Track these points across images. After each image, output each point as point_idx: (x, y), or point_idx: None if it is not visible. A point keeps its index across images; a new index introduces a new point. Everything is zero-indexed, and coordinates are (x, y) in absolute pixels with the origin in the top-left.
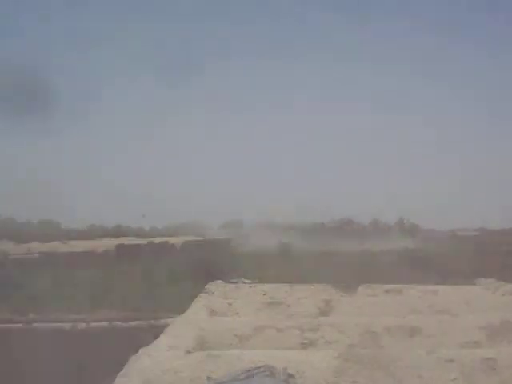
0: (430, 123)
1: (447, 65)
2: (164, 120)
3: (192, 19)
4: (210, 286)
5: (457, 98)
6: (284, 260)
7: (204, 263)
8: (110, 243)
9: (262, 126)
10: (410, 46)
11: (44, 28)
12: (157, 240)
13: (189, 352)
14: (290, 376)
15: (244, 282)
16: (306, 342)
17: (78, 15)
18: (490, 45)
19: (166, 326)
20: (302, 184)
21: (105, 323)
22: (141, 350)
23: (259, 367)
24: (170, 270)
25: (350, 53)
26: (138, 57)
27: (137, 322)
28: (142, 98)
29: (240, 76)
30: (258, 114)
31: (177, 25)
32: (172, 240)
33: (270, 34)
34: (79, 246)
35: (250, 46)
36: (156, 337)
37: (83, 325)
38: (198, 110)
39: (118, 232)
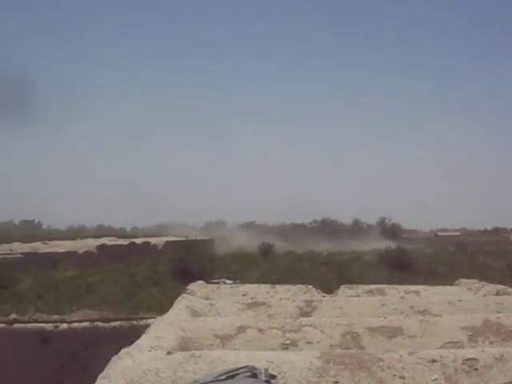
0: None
1: None
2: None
3: None
4: (191, 287)
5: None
6: (266, 260)
7: (186, 263)
8: (91, 243)
9: (248, 135)
10: None
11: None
12: (138, 240)
13: (170, 352)
14: (272, 376)
15: (226, 283)
16: (287, 342)
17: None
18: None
19: (147, 326)
20: (284, 185)
21: (86, 324)
22: (122, 351)
23: (241, 368)
24: (152, 271)
25: None
26: None
27: (118, 323)
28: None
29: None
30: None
31: None
32: (154, 240)
33: None
34: (61, 246)
35: None
36: (138, 337)
37: (65, 325)
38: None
39: (99, 232)
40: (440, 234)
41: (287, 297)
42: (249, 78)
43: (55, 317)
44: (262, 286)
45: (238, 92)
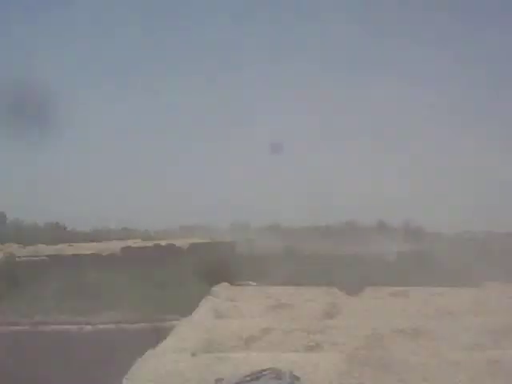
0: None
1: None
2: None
3: None
4: (216, 289)
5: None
6: (290, 262)
7: (210, 265)
8: (115, 246)
9: (266, 130)
10: None
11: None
12: (163, 242)
13: (195, 354)
14: (296, 378)
15: (250, 285)
16: (312, 344)
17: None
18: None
19: (172, 328)
20: (307, 186)
21: (111, 325)
22: (147, 352)
23: (265, 370)
24: (177, 273)
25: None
26: None
27: (143, 324)
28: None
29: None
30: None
31: None
32: (178, 242)
33: None
34: (85, 248)
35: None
36: (162, 339)
37: (89, 327)
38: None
39: (124, 234)
40: (465, 236)
41: (312, 299)
42: (255, 79)
43: (80, 319)
44: (287, 288)
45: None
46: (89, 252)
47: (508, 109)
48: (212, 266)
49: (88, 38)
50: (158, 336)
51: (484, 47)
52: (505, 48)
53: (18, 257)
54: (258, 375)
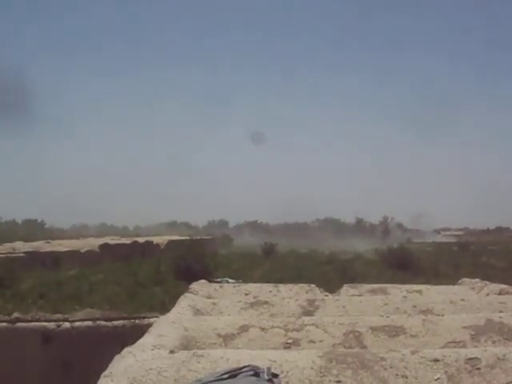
0: None
1: None
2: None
3: None
4: (194, 286)
5: None
6: (268, 260)
7: (188, 263)
8: (94, 242)
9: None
10: None
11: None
12: (141, 239)
13: (173, 351)
14: (274, 375)
15: (228, 282)
16: (290, 341)
17: None
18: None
19: (150, 325)
20: (287, 184)
21: (89, 323)
22: (125, 350)
23: (243, 367)
24: (155, 270)
25: None
26: None
27: (121, 322)
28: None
29: None
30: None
31: None
32: (156, 239)
33: None
34: (63, 245)
35: None
36: (140, 336)
37: (67, 324)
38: None
39: (102, 231)
40: (443, 233)
41: (290, 296)
42: (249, 80)
43: (58, 316)
44: (265, 285)
45: (235, 92)
46: (67, 249)
47: None
48: (190, 262)
49: None
50: (136, 333)
51: None
52: None
53: None
54: (236, 372)
